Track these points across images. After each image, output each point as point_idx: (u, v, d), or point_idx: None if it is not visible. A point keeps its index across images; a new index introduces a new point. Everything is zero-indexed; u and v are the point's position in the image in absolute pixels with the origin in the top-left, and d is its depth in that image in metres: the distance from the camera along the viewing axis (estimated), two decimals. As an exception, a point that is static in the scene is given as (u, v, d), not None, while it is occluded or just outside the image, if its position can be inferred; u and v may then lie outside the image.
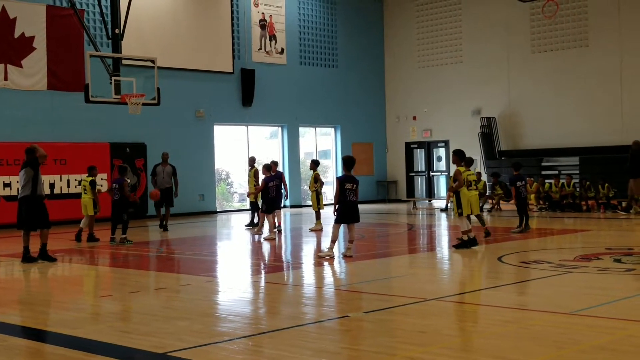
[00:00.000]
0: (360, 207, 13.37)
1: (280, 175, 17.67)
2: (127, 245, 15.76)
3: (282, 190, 17.46)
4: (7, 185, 20.83)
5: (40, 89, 20.82)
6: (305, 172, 28.31)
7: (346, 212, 12.68)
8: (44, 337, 7.47)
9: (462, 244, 13.42)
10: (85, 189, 16.64)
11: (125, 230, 16.11)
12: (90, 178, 16.64)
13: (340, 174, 13.31)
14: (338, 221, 12.76)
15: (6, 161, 20.81)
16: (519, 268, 11.35)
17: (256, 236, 17.14)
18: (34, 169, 13.09)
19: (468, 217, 13.68)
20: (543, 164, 26.21)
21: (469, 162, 14.69)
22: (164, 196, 18.85)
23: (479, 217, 15.00)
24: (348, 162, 12.98)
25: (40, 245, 13.29)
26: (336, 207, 12.80)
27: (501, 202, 24.00)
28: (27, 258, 13.20)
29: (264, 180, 16.91)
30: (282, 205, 18.61)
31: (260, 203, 17.82)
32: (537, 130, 27.02)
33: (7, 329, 7.73)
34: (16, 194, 20.83)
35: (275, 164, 18.02)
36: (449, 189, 14.27)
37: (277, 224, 17.17)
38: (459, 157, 14.01)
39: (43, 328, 7.95)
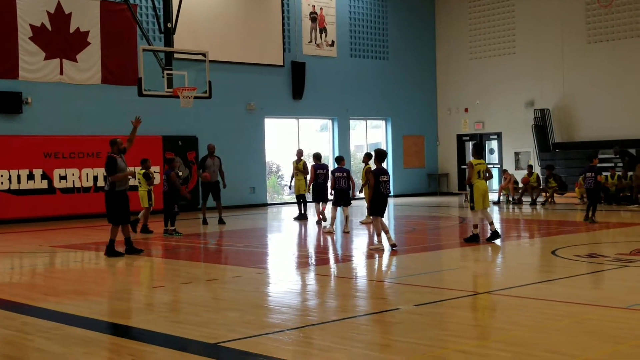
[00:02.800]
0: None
1: (326, 167, 17.98)
2: (176, 237, 15.91)
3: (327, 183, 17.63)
4: (63, 177, 21.20)
5: (95, 83, 21.18)
6: (356, 165, 28.25)
7: (381, 204, 12.80)
8: (98, 327, 7.58)
9: (472, 237, 13.60)
10: (140, 182, 16.87)
11: (173, 222, 16.26)
12: (143, 171, 16.86)
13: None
14: (376, 214, 12.81)
15: (62, 154, 21.19)
16: (574, 262, 11.13)
17: (327, 226, 16.58)
18: (106, 164, 12.98)
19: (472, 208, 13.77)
20: (599, 156, 25.66)
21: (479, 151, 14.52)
22: (214, 189, 18.87)
23: None
24: (381, 155, 13.06)
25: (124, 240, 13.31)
26: (370, 200, 12.88)
27: (555, 194, 23.62)
28: (109, 251, 13.09)
29: (313, 167, 17.20)
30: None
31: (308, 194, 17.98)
32: (592, 122, 26.48)
33: (63, 318, 7.88)
34: (71, 186, 21.32)
35: (318, 156, 18.16)
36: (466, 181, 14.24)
37: (322, 214, 17.40)
38: (476, 150, 14.16)
39: (97, 317, 8.07)
